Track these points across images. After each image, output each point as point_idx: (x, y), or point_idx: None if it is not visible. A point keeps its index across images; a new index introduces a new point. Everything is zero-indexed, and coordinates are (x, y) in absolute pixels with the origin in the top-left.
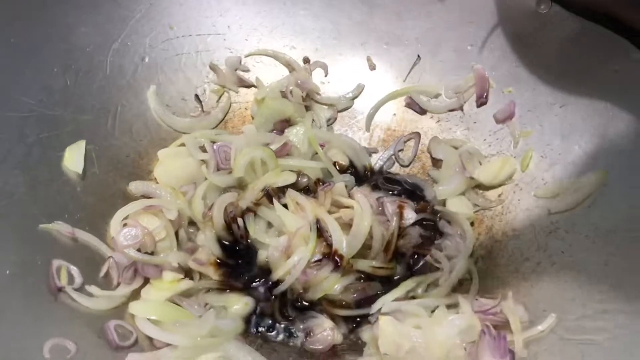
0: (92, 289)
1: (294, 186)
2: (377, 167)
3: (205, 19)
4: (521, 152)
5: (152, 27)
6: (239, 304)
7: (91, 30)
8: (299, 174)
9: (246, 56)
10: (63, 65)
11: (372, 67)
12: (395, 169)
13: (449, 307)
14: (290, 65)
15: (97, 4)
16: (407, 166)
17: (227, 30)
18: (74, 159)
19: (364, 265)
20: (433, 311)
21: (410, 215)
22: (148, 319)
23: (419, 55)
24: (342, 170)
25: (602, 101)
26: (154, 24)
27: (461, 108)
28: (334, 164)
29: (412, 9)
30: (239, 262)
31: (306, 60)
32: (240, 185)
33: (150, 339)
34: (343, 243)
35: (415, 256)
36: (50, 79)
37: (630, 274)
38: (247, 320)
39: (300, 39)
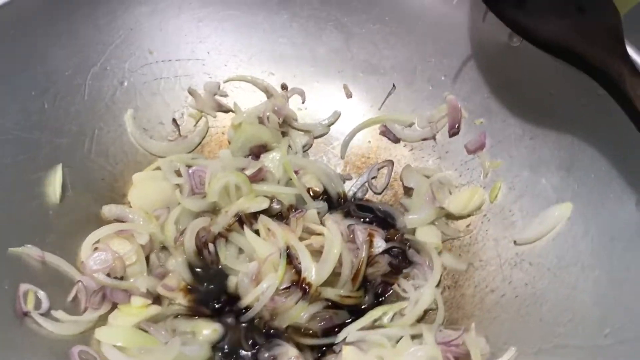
0: (59, 313)
1: (267, 212)
2: (350, 194)
3: (185, 45)
4: (491, 182)
5: (131, 52)
6: (208, 330)
7: (71, 54)
8: (273, 199)
9: (225, 82)
10: (41, 89)
11: (349, 95)
12: (369, 196)
13: (413, 337)
14: (268, 91)
15: (77, 29)
16: (380, 194)
17: (207, 56)
18: (52, 184)
19: (332, 293)
20: (398, 341)
21: (380, 244)
22: (114, 346)
23: (394, 85)
24: (316, 197)
25: (569, 135)
26: (133, 48)
27: (434, 137)
28: (308, 190)
29: (388, 39)
30: (208, 288)
31: (284, 87)
32: (214, 210)
33: None
34: (312, 270)
35: (383, 285)
36: (28, 102)
37: (590, 309)
38: (214, 347)
39: (278, 66)
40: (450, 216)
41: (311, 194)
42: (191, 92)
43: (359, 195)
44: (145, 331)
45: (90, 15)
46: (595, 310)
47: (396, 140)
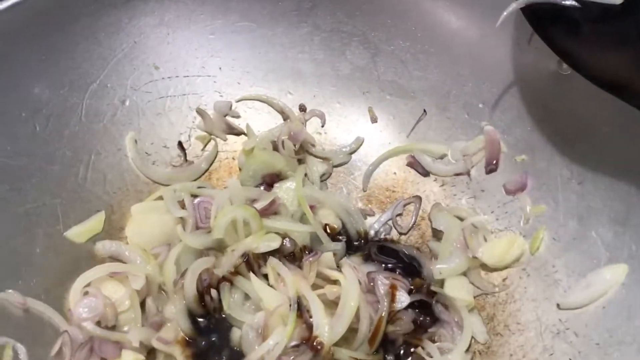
0: None
1: (279, 250)
2: (372, 232)
3: (194, 60)
4: (532, 230)
5: (135, 67)
6: None
7: (66, 70)
8: (285, 237)
9: (237, 101)
10: (32, 109)
11: (374, 119)
12: (392, 235)
13: None
14: (284, 113)
15: (75, 42)
16: (405, 234)
17: (218, 72)
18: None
19: (346, 355)
20: None
21: (403, 298)
22: None
23: (424, 110)
24: (333, 234)
25: (624, 182)
26: (137, 63)
27: (468, 173)
28: (325, 226)
29: (419, 57)
30: (209, 341)
31: (302, 108)
32: (220, 247)
33: None
34: (325, 327)
35: (405, 346)
36: (17, 125)
37: None
38: None
39: (296, 85)
40: (484, 267)
41: (328, 230)
42: (200, 112)
43: (382, 234)
44: None
45: (89, 27)
46: None
47: (425, 173)
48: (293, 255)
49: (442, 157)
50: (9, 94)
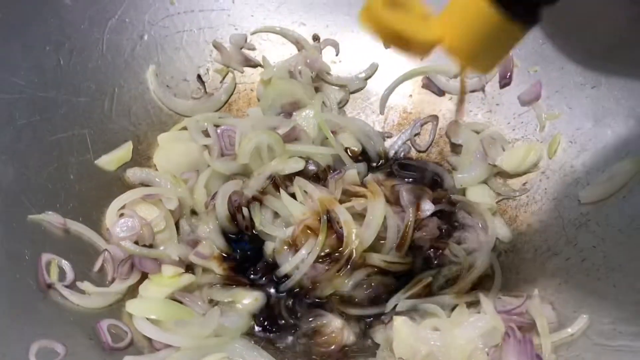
0: (85, 285)
1: (303, 173)
2: (391, 152)
3: None
4: (548, 137)
5: (151, 3)
6: (249, 299)
7: (86, 5)
8: (308, 160)
9: (252, 33)
10: (55, 43)
11: (387, 45)
12: (411, 154)
13: (469, 305)
14: (299, 43)
15: None
16: (424, 152)
17: (232, 6)
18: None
19: (377, 259)
20: (452, 310)
21: (427, 206)
22: (147, 319)
23: None
24: (355, 157)
25: (636, 81)
26: None
27: (483, 89)
28: (346, 149)
29: None
30: (244, 256)
31: (316, 38)
32: (245, 172)
33: (149, 340)
34: (354, 236)
35: (433, 250)
36: (42, 58)
37: None
38: (253, 317)
39: (310, 15)
40: (504, 174)
41: (349, 154)
42: (216, 45)
43: (401, 154)
44: (180, 302)
45: None
46: None
47: (440, 93)
48: (317, 177)
49: (456, 76)
50: (33, 28)
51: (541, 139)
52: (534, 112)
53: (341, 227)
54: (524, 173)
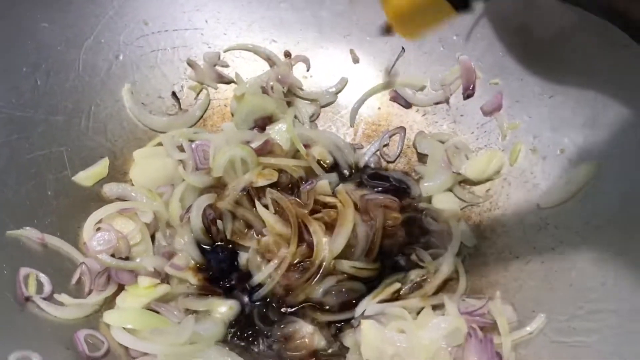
0: (62, 297)
1: (276, 185)
2: (361, 163)
3: (181, 14)
4: (510, 145)
5: (126, 23)
6: (224, 307)
7: (62, 27)
8: (281, 172)
9: (225, 51)
10: (33, 64)
11: (356, 60)
12: (381, 164)
13: (434, 308)
14: (270, 60)
15: (68, 1)
16: (393, 162)
17: (205, 25)
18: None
19: (347, 266)
20: (419, 313)
21: (395, 214)
22: (124, 328)
23: (403, 48)
24: (326, 168)
25: (591, 90)
26: (128, 19)
27: (447, 101)
28: (318, 162)
29: None
30: (219, 266)
31: (287, 54)
32: (220, 185)
33: (126, 349)
34: (325, 244)
35: (400, 255)
36: (20, 79)
37: (622, 272)
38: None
39: (280, 33)
40: (468, 182)
41: (322, 165)
42: (190, 63)
43: (371, 164)
44: (156, 312)
45: None
46: (629, 271)
47: (407, 105)
48: (290, 188)
49: (422, 88)
50: (11, 50)
51: (503, 147)
52: (496, 122)
53: (311, 237)
54: (487, 180)
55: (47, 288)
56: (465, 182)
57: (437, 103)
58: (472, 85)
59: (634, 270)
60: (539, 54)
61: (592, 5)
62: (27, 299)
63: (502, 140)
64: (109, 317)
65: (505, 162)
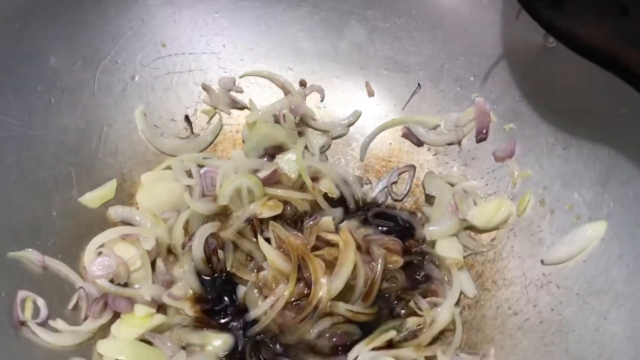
0: (57, 323)
1: (280, 216)
2: (369, 199)
3: (199, 37)
4: (519, 194)
5: (143, 45)
6: (219, 341)
7: (79, 46)
8: (287, 203)
9: (240, 77)
10: (47, 83)
11: (370, 93)
12: (388, 202)
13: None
14: (285, 88)
15: (86, 20)
16: (400, 200)
17: (222, 49)
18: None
19: (343, 309)
20: None
21: (396, 257)
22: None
23: (419, 84)
24: (332, 202)
25: (605, 147)
26: (145, 41)
27: (459, 142)
28: (324, 195)
29: (413, 34)
30: (216, 298)
31: (302, 83)
32: (224, 213)
33: None
34: (323, 285)
35: (398, 301)
36: (33, 98)
37: (623, 343)
38: None
39: (297, 61)
40: (474, 229)
41: (329, 197)
42: (205, 87)
43: (378, 201)
44: (150, 343)
45: (99, 4)
46: (628, 345)
47: (419, 143)
48: (294, 221)
49: (435, 127)
50: (26, 69)
51: (512, 196)
52: (507, 169)
53: (310, 275)
54: (493, 229)
55: (43, 312)
56: (470, 228)
57: (449, 144)
58: (485, 129)
59: (633, 343)
60: (556, 103)
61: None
62: (23, 323)
63: (511, 189)
64: (102, 347)
65: (513, 212)
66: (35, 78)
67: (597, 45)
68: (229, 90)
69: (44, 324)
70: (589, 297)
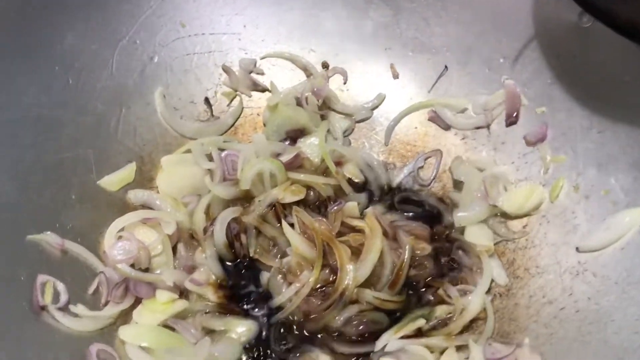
0: (78, 308)
1: (304, 201)
2: (394, 184)
3: (219, 17)
4: (551, 179)
5: (162, 25)
6: (242, 328)
7: (97, 26)
8: (310, 188)
9: (262, 58)
10: (65, 64)
11: (395, 76)
12: (414, 188)
13: (458, 349)
14: (307, 70)
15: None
16: (427, 186)
17: (243, 30)
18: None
19: (370, 296)
20: (442, 352)
21: (424, 245)
22: (139, 346)
23: (446, 66)
24: (356, 187)
25: None
26: (164, 20)
27: (489, 126)
28: (348, 180)
29: (441, 14)
30: (240, 284)
31: (325, 65)
32: (246, 198)
33: None
34: (350, 272)
35: (426, 289)
36: (51, 78)
37: None
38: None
39: (320, 42)
40: (504, 215)
41: (351, 184)
42: (225, 69)
43: (404, 186)
44: (172, 329)
45: None
46: None
47: (446, 127)
48: (318, 206)
49: (462, 111)
50: (43, 49)
51: (544, 182)
52: (539, 154)
53: (336, 262)
54: (525, 216)
55: (64, 297)
56: (501, 215)
57: (478, 128)
58: (516, 112)
59: None
60: (590, 85)
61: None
62: (43, 308)
63: (543, 174)
64: (124, 333)
65: (546, 198)
66: (53, 58)
67: (637, 22)
68: (250, 72)
69: (64, 309)
70: (628, 287)
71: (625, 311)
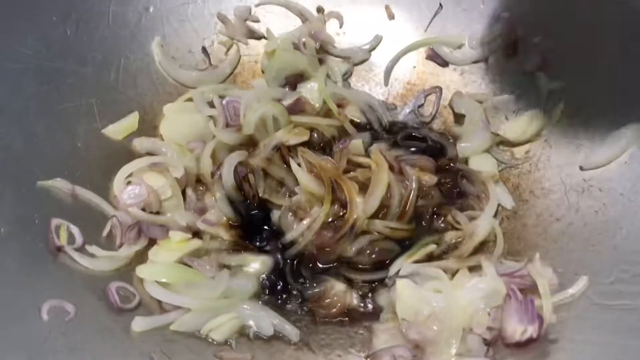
0: (94, 249)
1: (308, 144)
2: (396, 123)
3: None
4: (551, 105)
5: None
6: (257, 263)
7: None
8: (313, 131)
9: (256, 5)
10: (62, 14)
11: (391, 17)
12: (415, 125)
13: (471, 269)
14: (302, 15)
15: None
16: (428, 122)
17: None
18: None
19: (381, 226)
20: (454, 275)
21: (430, 175)
22: (157, 282)
23: (440, 4)
24: (359, 128)
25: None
26: None
27: (486, 60)
28: (350, 121)
29: None
30: (251, 223)
31: (320, 10)
32: (250, 143)
33: (159, 302)
34: (359, 204)
35: (435, 217)
36: (49, 29)
37: None
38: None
39: None
40: (506, 143)
41: (353, 125)
42: (221, 17)
43: (406, 124)
44: (189, 266)
45: None
46: None
47: (444, 64)
48: (322, 147)
49: (460, 47)
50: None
51: (544, 108)
52: (537, 82)
53: (345, 196)
54: (527, 142)
55: (79, 239)
56: (503, 143)
57: (476, 62)
58: (513, 44)
59: None
60: (585, 14)
61: None
62: (59, 249)
63: (543, 101)
64: (142, 270)
65: (547, 123)
66: (49, 8)
67: None
68: (245, 20)
69: (81, 250)
70: (635, 196)
71: (632, 218)
